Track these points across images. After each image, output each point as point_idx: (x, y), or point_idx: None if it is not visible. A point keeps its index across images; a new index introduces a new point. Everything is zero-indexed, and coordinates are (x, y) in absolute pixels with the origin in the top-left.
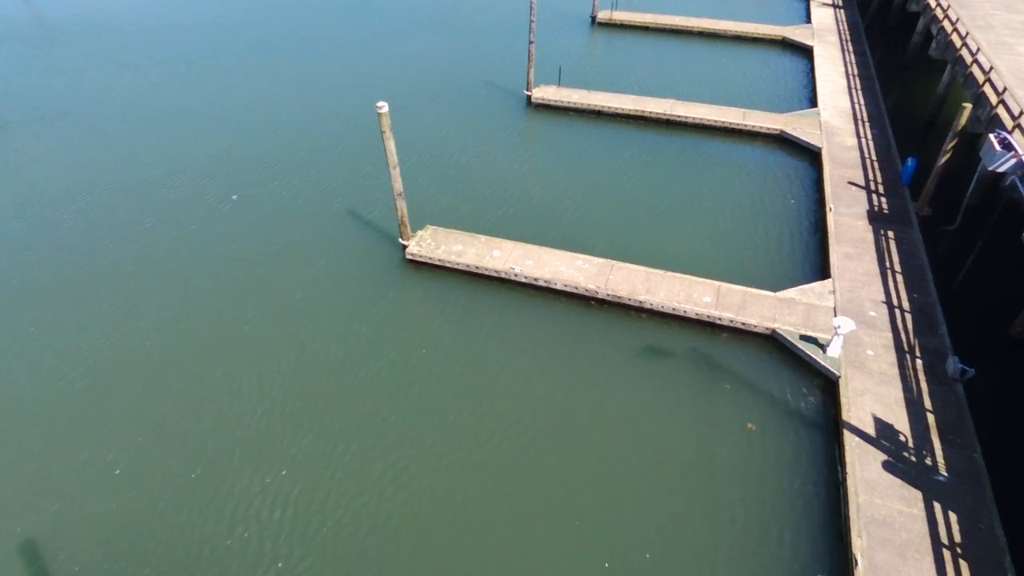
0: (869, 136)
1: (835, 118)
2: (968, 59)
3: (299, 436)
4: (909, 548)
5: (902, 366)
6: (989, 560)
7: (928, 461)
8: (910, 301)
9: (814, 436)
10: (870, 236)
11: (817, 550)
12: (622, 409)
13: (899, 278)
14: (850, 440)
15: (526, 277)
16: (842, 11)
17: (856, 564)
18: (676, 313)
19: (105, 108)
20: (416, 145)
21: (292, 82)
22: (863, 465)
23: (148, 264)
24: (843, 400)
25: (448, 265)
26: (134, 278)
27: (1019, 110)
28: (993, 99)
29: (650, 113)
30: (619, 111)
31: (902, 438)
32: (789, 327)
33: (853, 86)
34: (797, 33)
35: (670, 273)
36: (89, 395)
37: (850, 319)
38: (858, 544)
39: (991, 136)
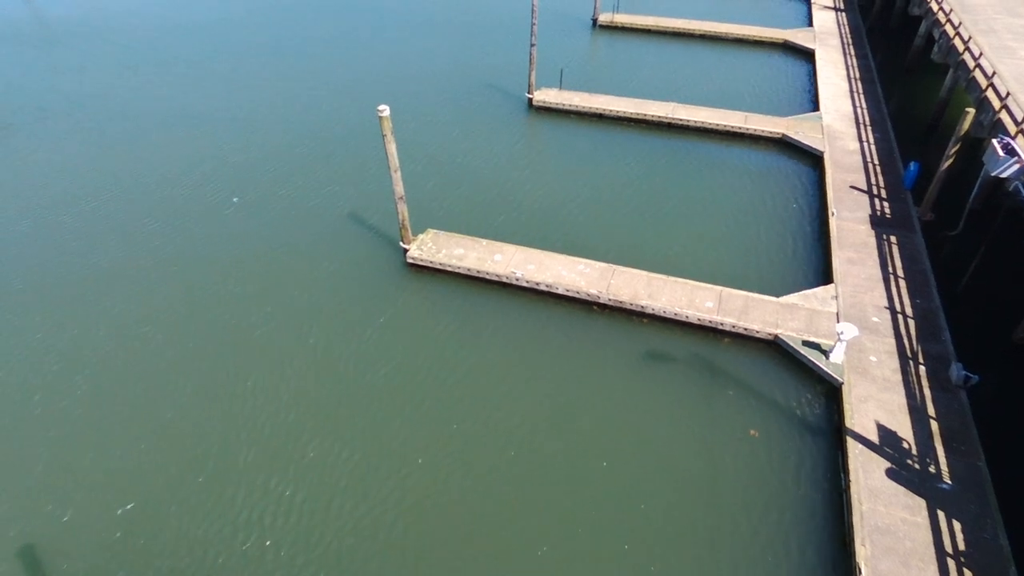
0: (871, 140)
1: (837, 122)
2: (971, 63)
3: (303, 440)
4: (913, 557)
5: (905, 372)
6: (993, 569)
7: (932, 469)
8: (913, 307)
9: (817, 443)
10: (872, 241)
11: (820, 558)
12: (624, 414)
13: (902, 283)
14: (853, 447)
15: (527, 282)
16: (844, 14)
17: (860, 573)
18: (678, 318)
19: (106, 110)
20: (417, 147)
21: (293, 83)
22: (866, 473)
23: (151, 268)
24: (846, 407)
25: (449, 269)
26: (137, 282)
27: (1022, 116)
28: (996, 104)
29: (652, 116)
30: (621, 114)
31: (905, 445)
32: (792, 333)
33: (855, 89)
34: (799, 36)
35: (672, 278)
36: (94, 399)
37: (853, 325)
38: (862, 553)
39: (994, 141)
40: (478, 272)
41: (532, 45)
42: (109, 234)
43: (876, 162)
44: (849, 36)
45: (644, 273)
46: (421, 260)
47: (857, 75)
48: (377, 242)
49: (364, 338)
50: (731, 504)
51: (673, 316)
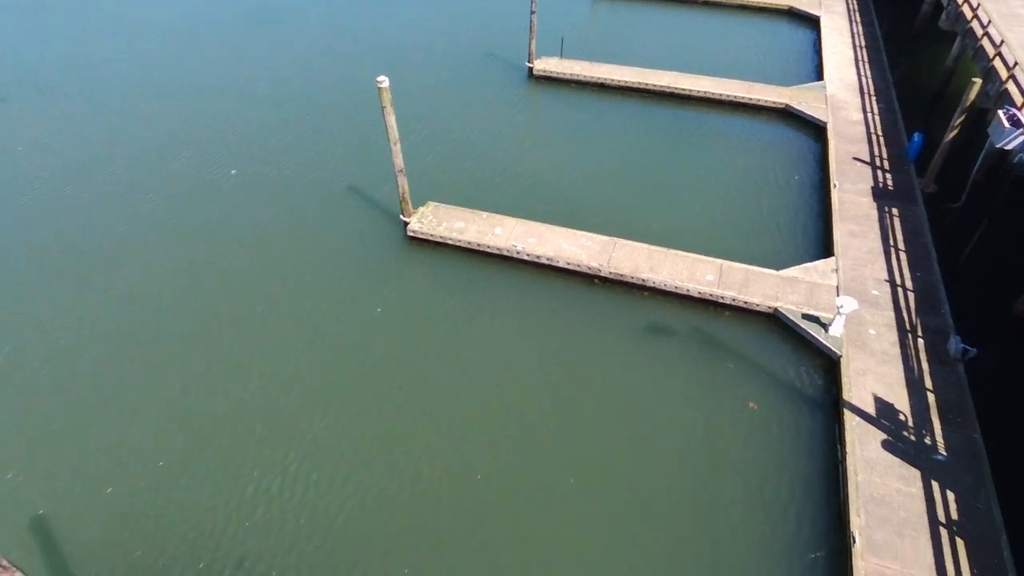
0: (875, 110)
1: (841, 91)
2: (979, 32)
3: (310, 413)
4: (907, 526)
5: (904, 346)
6: (986, 539)
7: (928, 441)
8: (913, 280)
9: (815, 415)
10: (874, 213)
11: (816, 528)
12: (624, 387)
13: (903, 256)
14: (850, 419)
15: (528, 255)
16: None
17: (854, 542)
18: (679, 291)
19: (102, 80)
20: (417, 118)
21: (291, 52)
22: (863, 444)
23: (153, 242)
24: (844, 380)
25: (450, 242)
26: (140, 256)
27: None
28: (1003, 74)
29: (653, 86)
30: (622, 84)
31: (902, 418)
32: (791, 306)
33: (860, 58)
34: (804, 2)
35: (673, 251)
36: (102, 374)
37: (853, 299)
38: (856, 522)
39: (1000, 112)
40: (479, 245)
41: (532, 13)
42: (110, 208)
43: (880, 133)
44: (855, 2)
45: (645, 246)
46: (422, 233)
47: (863, 43)
48: (377, 215)
49: (366, 312)
50: (730, 475)
51: (674, 289)
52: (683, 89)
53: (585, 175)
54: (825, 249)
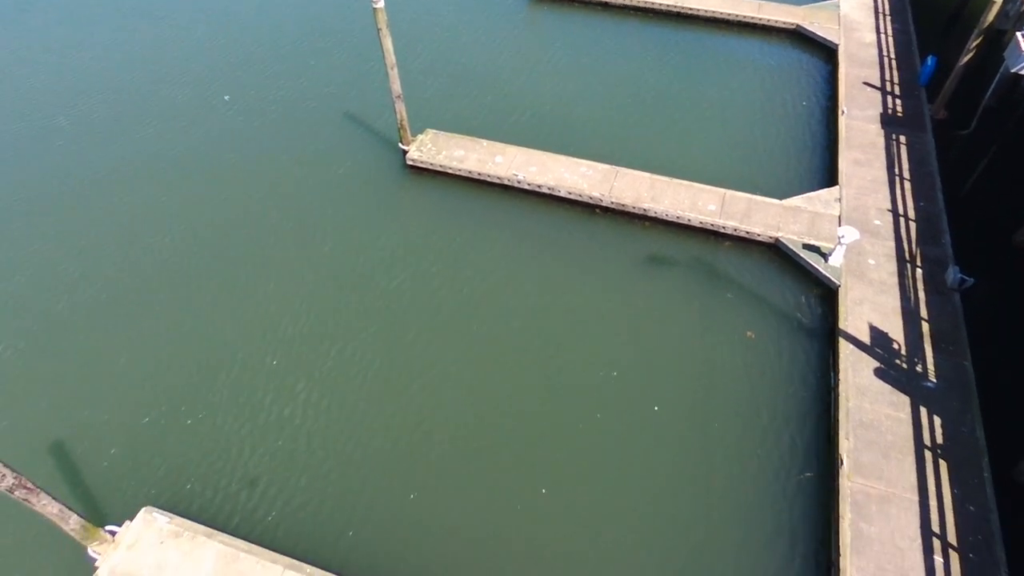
0: (889, 32)
1: (855, 10)
2: None
3: (314, 342)
4: (893, 449)
5: (902, 275)
6: (968, 461)
7: (919, 368)
8: (916, 209)
9: (811, 344)
10: (881, 141)
11: (807, 451)
12: (624, 317)
13: (907, 185)
14: (845, 348)
15: (529, 184)
16: None
17: (842, 464)
18: (680, 221)
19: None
20: (414, 43)
21: None
22: (856, 372)
23: (153, 174)
24: (841, 309)
25: (449, 171)
26: (140, 189)
27: None
28: None
29: (659, 5)
30: (626, 2)
31: (895, 346)
32: (793, 236)
33: None
34: None
35: (675, 180)
36: (114, 307)
37: (854, 229)
38: (845, 445)
39: (1018, 35)
40: (479, 175)
41: None
42: (107, 138)
43: (892, 56)
44: None
45: (647, 175)
46: (421, 162)
47: None
48: (376, 143)
49: (368, 243)
50: (726, 401)
51: (675, 219)
52: (690, 8)
53: (588, 101)
54: (830, 178)
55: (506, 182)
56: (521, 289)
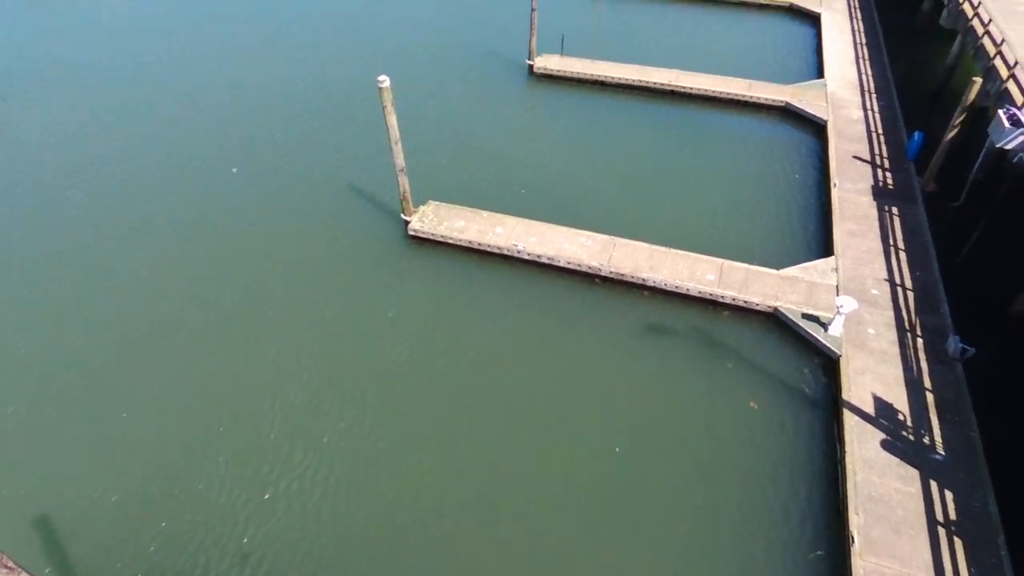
0: (876, 108)
1: (842, 89)
2: (980, 30)
3: (312, 413)
4: (904, 525)
5: (903, 345)
6: (983, 538)
7: (926, 440)
8: (912, 279)
9: (814, 414)
10: (874, 212)
11: (816, 527)
12: (625, 387)
13: (902, 256)
14: (849, 419)
15: (529, 254)
16: None
17: (853, 541)
18: (679, 291)
19: (103, 78)
20: (417, 117)
21: (290, 51)
22: (862, 443)
23: (159, 241)
24: (844, 379)
25: (451, 241)
26: (147, 256)
27: None
28: (1004, 73)
29: (654, 84)
30: (623, 81)
31: (901, 417)
32: (791, 305)
33: (861, 55)
34: None
35: (673, 250)
36: (117, 371)
37: (852, 298)
38: (855, 521)
39: (1000, 112)
40: (479, 244)
41: (533, 10)
42: (116, 206)
43: (880, 131)
44: None
45: (645, 245)
46: (423, 232)
47: (863, 40)
48: (378, 214)
49: (370, 311)
50: (730, 474)
51: (674, 289)
52: (683, 87)
53: (586, 173)
54: (825, 248)
55: (506, 252)
56: (522, 358)
